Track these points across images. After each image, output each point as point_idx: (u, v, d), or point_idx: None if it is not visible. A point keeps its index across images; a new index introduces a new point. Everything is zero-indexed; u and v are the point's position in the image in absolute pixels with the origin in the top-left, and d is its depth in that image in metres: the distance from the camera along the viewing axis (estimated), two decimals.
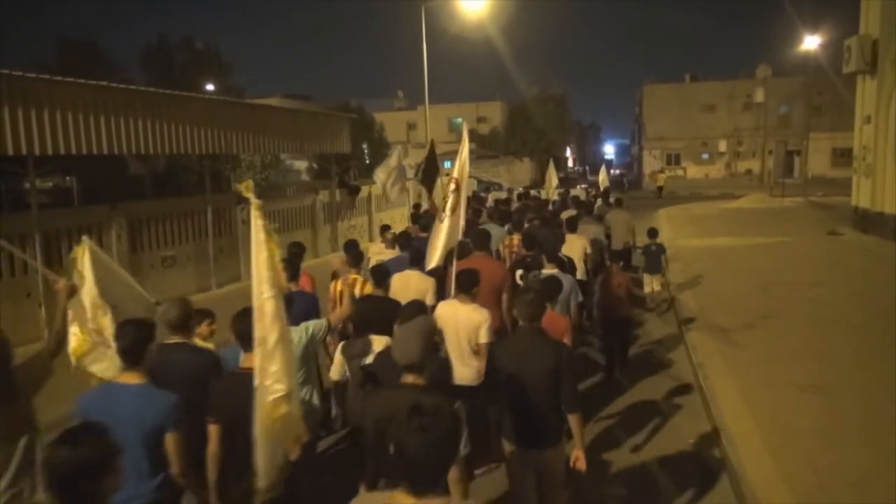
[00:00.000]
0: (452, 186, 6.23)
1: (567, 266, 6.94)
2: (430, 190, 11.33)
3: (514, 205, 13.77)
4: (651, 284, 11.07)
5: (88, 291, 4.26)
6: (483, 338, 4.91)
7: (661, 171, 44.46)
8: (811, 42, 37.04)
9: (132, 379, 3.35)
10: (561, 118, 55.45)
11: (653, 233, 11.34)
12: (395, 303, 5.13)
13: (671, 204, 30.50)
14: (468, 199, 7.27)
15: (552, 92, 56.29)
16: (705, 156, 57.52)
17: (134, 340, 3.37)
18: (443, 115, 55.12)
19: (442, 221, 6.12)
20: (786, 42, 58.36)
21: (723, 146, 56.05)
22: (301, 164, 39.15)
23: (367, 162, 43.60)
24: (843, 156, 43.93)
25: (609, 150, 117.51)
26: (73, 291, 4.15)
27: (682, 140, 56.89)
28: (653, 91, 58.43)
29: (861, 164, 18.82)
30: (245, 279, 12.00)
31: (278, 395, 3.24)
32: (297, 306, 4.58)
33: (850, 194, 20.00)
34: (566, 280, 6.19)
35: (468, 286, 5.09)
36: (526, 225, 9.41)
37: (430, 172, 11.62)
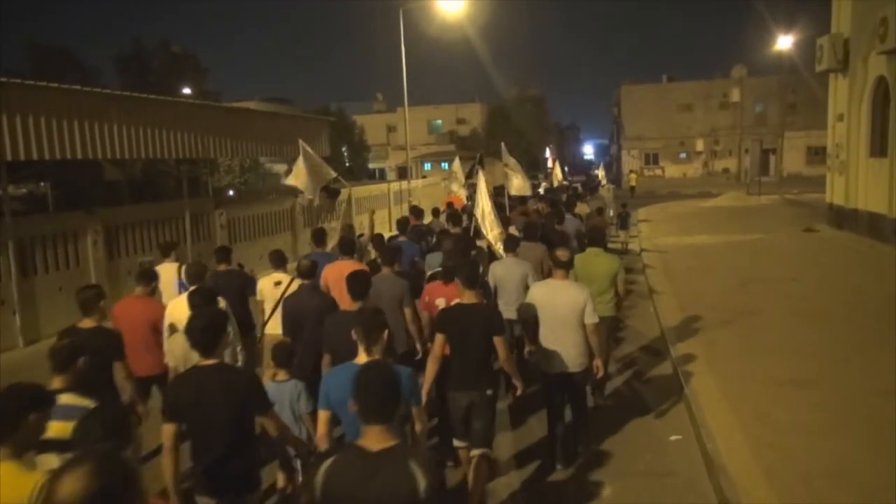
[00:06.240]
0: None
1: (581, 218, 11.60)
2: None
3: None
4: (623, 238, 17.22)
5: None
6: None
7: (633, 171, 45.77)
8: (785, 42, 37.61)
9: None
10: (540, 119, 55.73)
11: (623, 204, 18.47)
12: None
13: (650, 203, 30.72)
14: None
15: (531, 93, 56.58)
16: (683, 155, 58.12)
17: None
18: (422, 117, 55.18)
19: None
20: (761, 42, 59.24)
21: (700, 145, 56.67)
22: (280, 168, 38.89)
23: (347, 165, 43.46)
24: (817, 154, 44.59)
25: (588, 150, 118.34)
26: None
27: (660, 140, 57.43)
28: (630, 92, 58.88)
29: (835, 161, 19.08)
30: None
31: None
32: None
33: (824, 191, 20.29)
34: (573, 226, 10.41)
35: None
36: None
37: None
